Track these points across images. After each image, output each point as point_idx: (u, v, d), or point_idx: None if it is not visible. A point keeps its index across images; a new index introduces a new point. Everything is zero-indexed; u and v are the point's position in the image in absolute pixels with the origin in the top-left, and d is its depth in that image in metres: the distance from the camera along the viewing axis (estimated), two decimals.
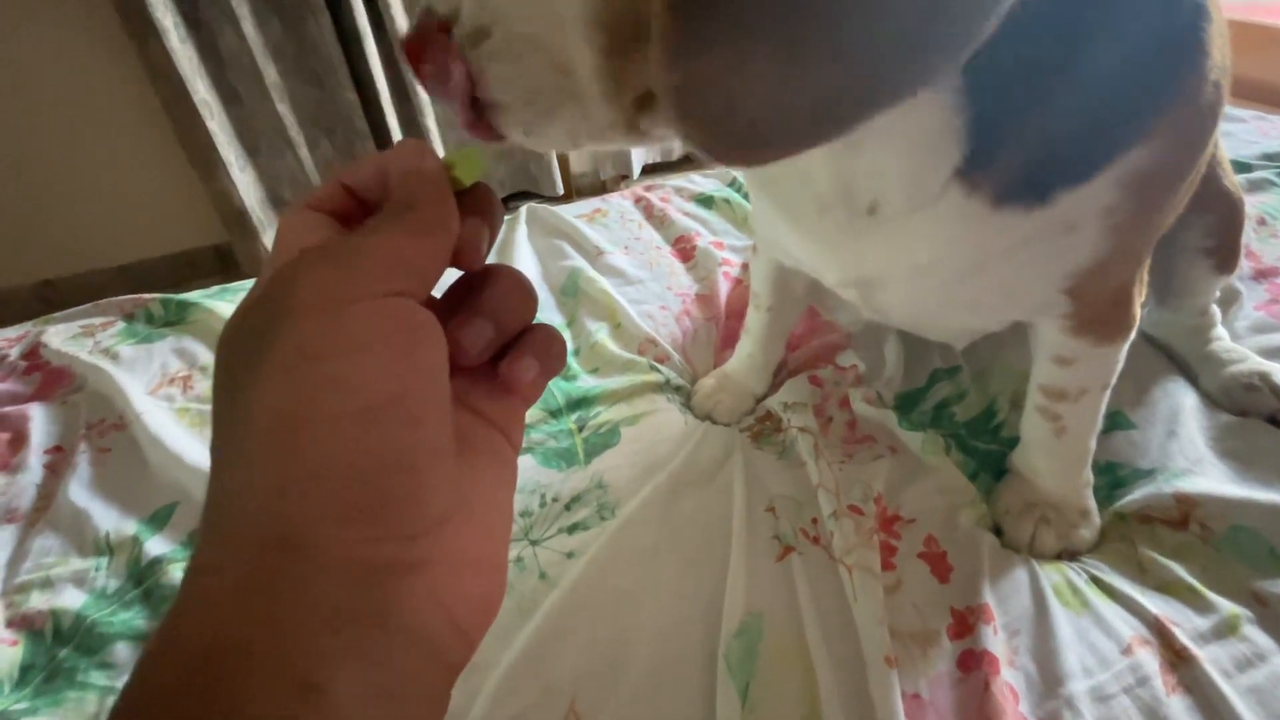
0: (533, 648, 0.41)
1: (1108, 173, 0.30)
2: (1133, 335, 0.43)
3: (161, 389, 0.67)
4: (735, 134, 0.21)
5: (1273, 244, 0.71)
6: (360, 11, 1.58)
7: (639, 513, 0.49)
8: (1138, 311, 0.42)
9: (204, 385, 0.67)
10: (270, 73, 1.64)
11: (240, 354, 0.19)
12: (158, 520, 0.53)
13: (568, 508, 0.51)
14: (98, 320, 0.77)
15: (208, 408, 0.64)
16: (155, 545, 0.51)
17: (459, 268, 0.23)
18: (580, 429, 0.58)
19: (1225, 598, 0.41)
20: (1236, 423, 0.52)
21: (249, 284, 0.82)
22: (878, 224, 0.34)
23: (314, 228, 0.22)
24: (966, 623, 0.42)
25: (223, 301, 0.78)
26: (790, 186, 0.38)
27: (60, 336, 0.74)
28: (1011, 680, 0.39)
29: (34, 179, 1.70)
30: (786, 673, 0.40)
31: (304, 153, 1.77)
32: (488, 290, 0.23)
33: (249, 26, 1.58)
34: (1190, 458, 0.49)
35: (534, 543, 0.49)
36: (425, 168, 0.22)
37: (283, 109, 1.69)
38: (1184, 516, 0.46)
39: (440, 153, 0.23)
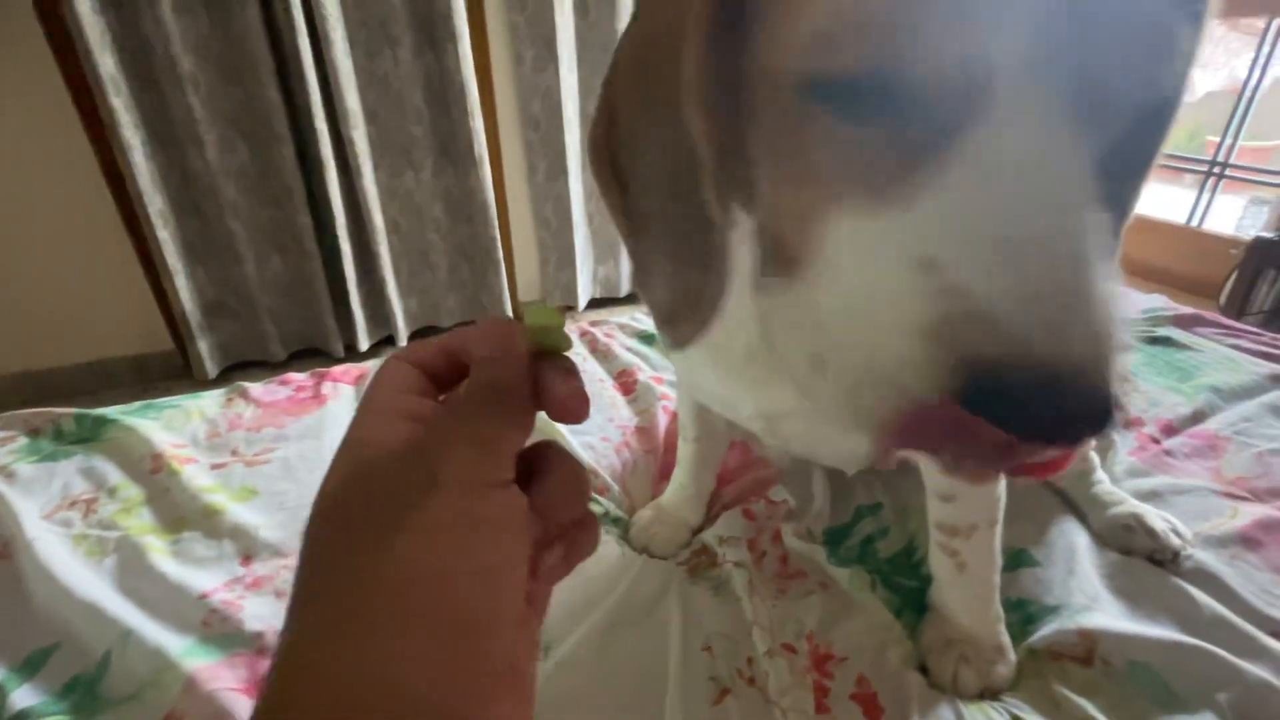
0: None
1: None
2: (1002, 476, 0.47)
3: (59, 512, 0.62)
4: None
5: (1136, 397, 0.82)
6: (325, 142, 1.68)
7: (573, 653, 0.48)
8: None
9: (111, 509, 0.63)
10: (229, 190, 1.69)
11: (361, 521, 0.20)
12: (31, 665, 0.47)
13: None
14: None
15: (110, 534, 0.59)
16: (24, 696, 0.45)
17: (556, 420, 0.25)
18: None
19: None
20: (1124, 560, 0.57)
21: (181, 400, 0.80)
22: None
23: (411, 382, 0.24)
24: None
25: (144, 419, 0.75)
26: (721, 337, 0.43)
27: None
28: None
29: None
30: None
31: (250, 268, 1.78)
32: (547, 480, 0.24)
33: (213, 152, 1.64)
34: (1088, 594, 0.53)
35: None
36: (514, 353, 0.24)
37: (235, 225, 1.73)
38: (1088, 653, 0.48)
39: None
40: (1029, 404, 0.19)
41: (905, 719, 0.44)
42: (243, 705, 0.44)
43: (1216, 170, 2.28)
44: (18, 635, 0.49)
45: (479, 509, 0.21)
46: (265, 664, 0.48)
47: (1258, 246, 1.90)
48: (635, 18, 0.30)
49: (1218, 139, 2.26)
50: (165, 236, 1.66)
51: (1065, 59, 0.20)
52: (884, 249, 0.23)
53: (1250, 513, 0.61)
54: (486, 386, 0.23)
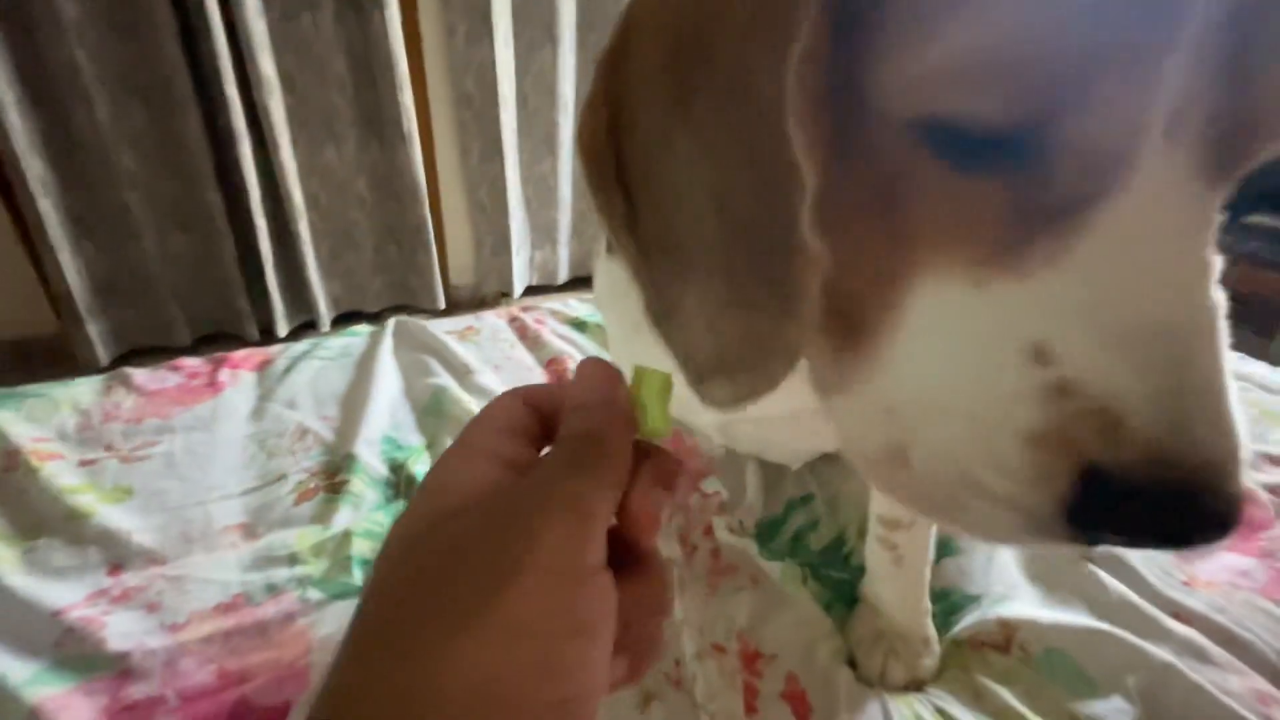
0: None
1: None
2: None
3: None
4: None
5: None
6: (237, 110, 1.55)
7: None
8: None
9: None
10: (124, 158, 1.53)
11: (431, 598, 0.17)
12: None
13: None
14: None
15: None
16: None
17: (625, 534, 0.22)
18: None
19: None
20: (1039, 549, 0.59)
21: (50, 388, 0.71)
22: None
23: (517, 421, 0.22)
24: None
25: (2, 410, 0.66)
26: None
27: None
28: None
29: None
30: None
31: (149, 245, 1.63)
32: (637, 579, 0.21)
33: (104, 113, 1.48)
34: (1007, 582, 0.54)
35: None
36: (614, 402, 0.21)
37: (132, 197, 1.57)
38: (1007, 641, 0.49)
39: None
40: (1154, 515, 0.17)
41: (834, 717, 0.43)
42: None
43: None
44: None
45: (568, 608, 0.18)
46: (130, 688, 0.42)
47: None
48: None
49: None
50: (46, 207, 1.49)
51: (1223, 112, 0.17)
52: (986, 327, 0.19)
53: None
54: (581, 438, 0.20)
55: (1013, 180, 0.19)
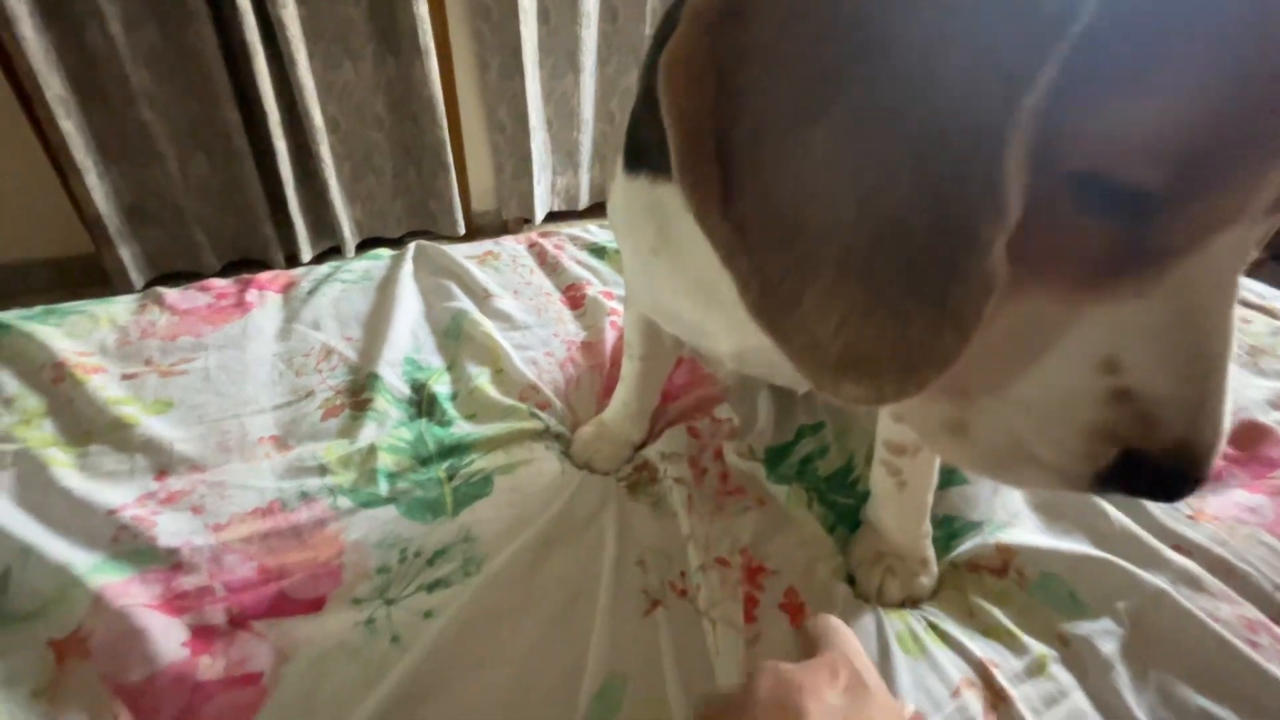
0: (374, 714, 0.38)
1: None
2: None
3: None
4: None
5: None
6: (250, 23, 1.51)
7: (505, 569, 0.47)
8: None
9: (8, 421, 0.58)
10: (140, 75, 1.51)
11: None
12: None
13: (430, 563, 0.48)
14: None
15: (8, 447, 0.55)
16: None
17: None
18: (450, 478, 0.56)
19: (1036, 639, 0.46)
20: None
21: (89, 304, 0.74)
22: None
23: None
24: None
25: (45, 325, 0.69)
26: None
27: None
28: None
29: None
30: None
31: (172, 167, 1.63)
32: None
33: (116, 27, 1.45)
34: (1010, 511, 0.55)
35: (389, 602, 0.46)
36: None
37: (151, 117, 1.56)
38: (1004, 564, 0.51)
39: None
40: (1162, 483, 0.24)
41: None
42: (156, 622, 0.43)
43: None
44: None
45: None
46: (181, 579, 0.46)
47: None
48: None
49: None
50: (69, 128, 1.49)
51: None
52: (1070, 338, 0.23)
53: None
54: None
55: (1127, 224, 0.22)
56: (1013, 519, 0.54)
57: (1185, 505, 0.56)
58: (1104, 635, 0.45)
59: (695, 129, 0.22)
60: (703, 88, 0.22)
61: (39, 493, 0.51)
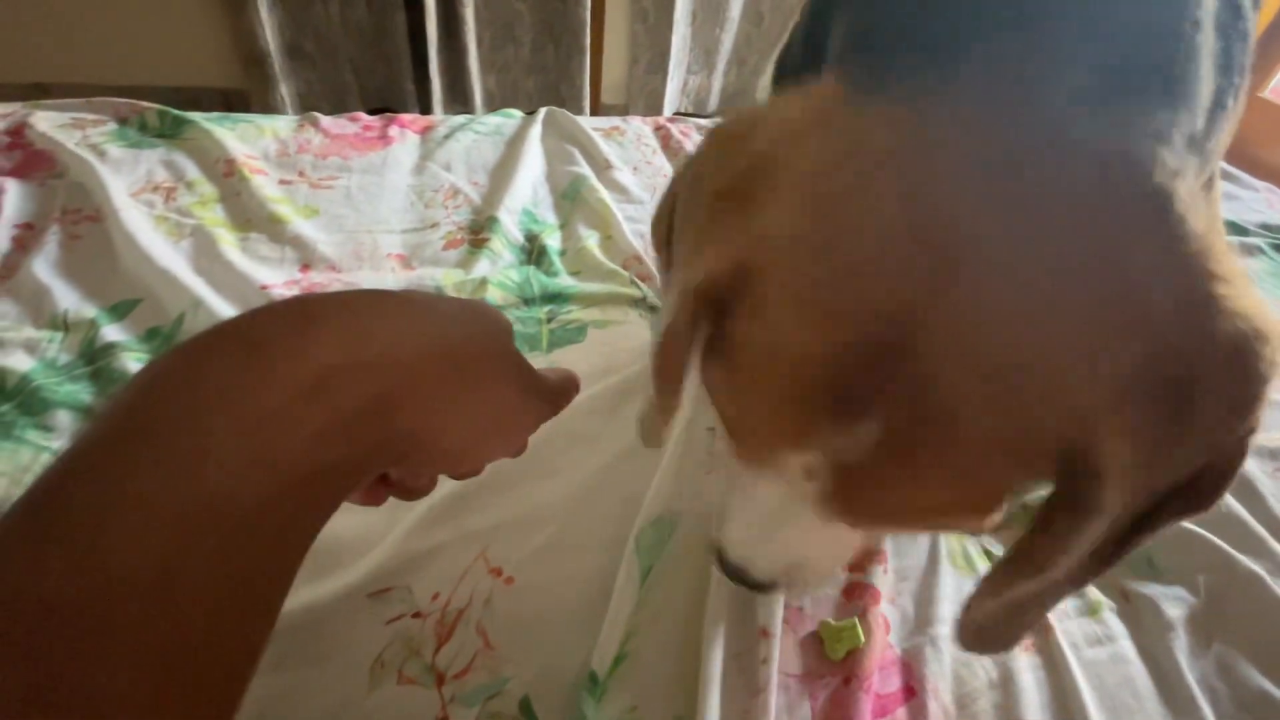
0: (456, 491, 0.43)
1: None
2: None
3: (144, 194, 0.66)
4: None
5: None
6: None
7: (587, 402, 0.51)
8: None
9: (188, 200, 0.67)
10: None
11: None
12: (118, 311, 0.54)
13: None
14: (89, 116, 0.75)
15: (188, 221, 0.63)
16: (112, 332, 0.51)
17: None
18: (549, 320, 0.59)
19: (1096, 588, 0.44)
20: None
21: (256, 117, 0.81)
22: None
23: None
24: (860, 562, 0.45)
25: (221, 127, 0.76)
26: None
27: (49, 123, 0.72)
28: (887, 613, 0.42)
29: None
30: (687, 566, 0.43)
31: (334, 9, 1.70)
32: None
33: None
34: None
35: None
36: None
37: None
38: None
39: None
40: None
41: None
42: None
43: None
44: (108, 284, 0.55)
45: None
46: None
47: None
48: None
49: None
50: None
51: None
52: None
53: None
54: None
55: None
56: None
57: None
58: (1172, 600, 0.44)
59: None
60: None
61: (209, 261, 0.59)
